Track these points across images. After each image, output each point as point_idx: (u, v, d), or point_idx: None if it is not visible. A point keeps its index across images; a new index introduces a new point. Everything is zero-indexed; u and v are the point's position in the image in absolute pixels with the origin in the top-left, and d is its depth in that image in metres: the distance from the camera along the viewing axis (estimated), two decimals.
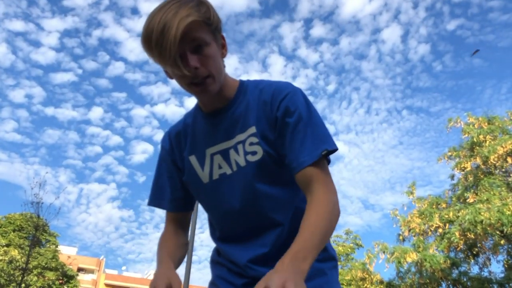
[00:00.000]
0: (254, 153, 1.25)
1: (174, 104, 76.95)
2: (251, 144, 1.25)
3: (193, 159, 1.34)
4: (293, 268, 0.91)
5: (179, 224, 1.41)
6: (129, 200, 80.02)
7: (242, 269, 1.28)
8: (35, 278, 17.95)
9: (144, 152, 76.09)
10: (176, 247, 1.35)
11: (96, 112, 73.12)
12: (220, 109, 1.29)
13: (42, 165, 68.17)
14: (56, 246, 24.23)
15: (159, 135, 78.36)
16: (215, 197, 1.32)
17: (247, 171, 1.26)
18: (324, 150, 1.16)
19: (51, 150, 72.95)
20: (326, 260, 1.31)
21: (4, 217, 23.74)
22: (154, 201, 1.41)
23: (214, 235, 1.40)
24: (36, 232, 16.07)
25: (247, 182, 1.26)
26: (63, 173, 69.18)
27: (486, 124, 13.61)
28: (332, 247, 1.38)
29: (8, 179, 73.03)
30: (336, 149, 1.19)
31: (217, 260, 1.39)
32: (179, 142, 1.38)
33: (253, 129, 1.25)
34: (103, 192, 77.21)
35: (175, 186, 1.39)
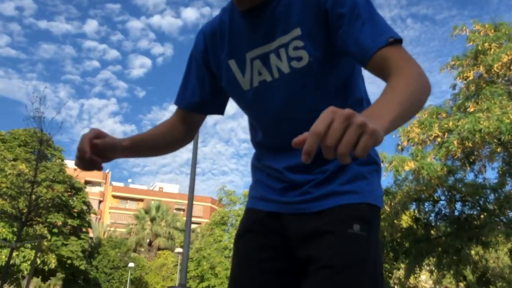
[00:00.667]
0: (299, 58, 1.12)
1: (170, 15, 74.60)
2: (296, 48, 1.12)
3: (232, 63, 1.22)
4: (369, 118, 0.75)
5: (185, 121, 1.36)
6: (131, 115, 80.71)
7: (281, 173, 1.23)
8: (44, 190, 18.55)
9: (142, 66, 75.38)
10: (154, 134, 1.33)
11: (91, 25, 71.28)
12: (258, 6, 1.14)
13: (41, 81, 67.83)
14: (62, 160, 24.76)
15: (156, 49, 76.96)
16: (256, 106, 1.24)
17: (291, 78, 1.14)
18: (391, 37, 1.00)
19: (48, 65, 72.16)
20: (366, 163, 1.20)
21: (8, 132, 24.00)
22: (179, 101, 1.34)
23: (254, 139, 1.35)
24: (41, 146, 16.35)
25: (291, 91, 1.16)
26: (62, 88, 69.02)
27: (493, 31, 13.21)
28: (376, 151, 1.26)
29: (8, 95, 73.05)
30: (401, 39, 1.02)
31: (257, 165, 1.35)
32: (215, 43, 1.25)
33: (297, 31, 1.11)
34: (103, 107, 77.54)
35: (202, 87, 1.30)
